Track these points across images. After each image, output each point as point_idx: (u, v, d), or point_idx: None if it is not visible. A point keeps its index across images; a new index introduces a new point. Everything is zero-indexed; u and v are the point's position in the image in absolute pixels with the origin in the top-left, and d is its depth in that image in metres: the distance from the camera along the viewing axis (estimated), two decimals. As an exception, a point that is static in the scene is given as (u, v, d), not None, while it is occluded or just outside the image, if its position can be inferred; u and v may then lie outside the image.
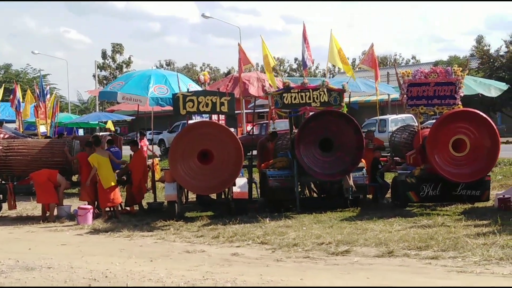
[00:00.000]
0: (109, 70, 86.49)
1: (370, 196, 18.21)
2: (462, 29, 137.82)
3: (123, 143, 26.59)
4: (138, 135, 23.12)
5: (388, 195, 18.01)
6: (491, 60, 41.60)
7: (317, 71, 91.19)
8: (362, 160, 16.70)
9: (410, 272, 9.64)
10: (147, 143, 24.93)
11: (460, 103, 16.59)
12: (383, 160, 18.65)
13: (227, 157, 15.65)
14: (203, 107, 16.09)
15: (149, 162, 18.93)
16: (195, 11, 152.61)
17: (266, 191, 17.27)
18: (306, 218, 15.15)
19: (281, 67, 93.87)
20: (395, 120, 33.26)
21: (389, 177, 18.73)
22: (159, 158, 23.80)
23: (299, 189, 17.30)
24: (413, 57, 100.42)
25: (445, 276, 9.25)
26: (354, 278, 9.38)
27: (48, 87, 27.50)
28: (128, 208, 17.85)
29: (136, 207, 17.93)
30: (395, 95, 25.72)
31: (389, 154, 19.51)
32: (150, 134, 27.56)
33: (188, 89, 16.59)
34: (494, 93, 21.39)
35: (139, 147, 18.94)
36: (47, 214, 16.74)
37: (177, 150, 15.57)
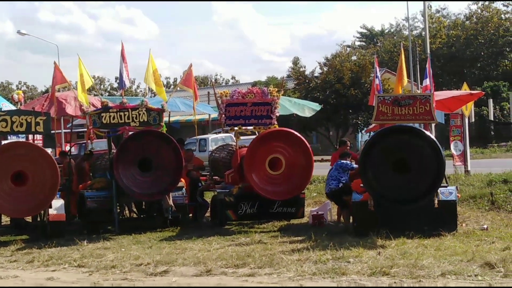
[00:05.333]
0: None
1: (190, 216, 18.29)
2: (280, 51, 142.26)
3: None
4: None
5: (208, 214, 18.18)
6: (307, 81, 43.16)
7: (138, 90, 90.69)
8: (182, 179, 16.79)
9: (226, 290, 9.79)
10: None
11: (276, 122, 17.06)
12: (203, 179, 18.83)
13: (43, 178, 15.26)
14: (17, 127, 15.61)
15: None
16: (10, 27, 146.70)
17: (84, 213, 16.88)
18: (125, 239, 14.97)
19: (102, 86, 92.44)
20: (215, 140, 33.71)
21: (208, 196, 18.93)
22: None
23: (118, 210, 17.08)
24: (233, 77, 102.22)
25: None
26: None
27: None
28: None
29: None
30: (215, 114, 26.05)
31: (208, 173, 19.71)
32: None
33: (0, 108, 15.99)
34: (308, 113, 22.23)
35: None
36: None
37: (-11, 172, 14.93)
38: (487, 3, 71.54)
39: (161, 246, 13.87)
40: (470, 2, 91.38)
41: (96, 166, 17.90)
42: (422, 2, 39.04)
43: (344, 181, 15.36)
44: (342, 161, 15.54)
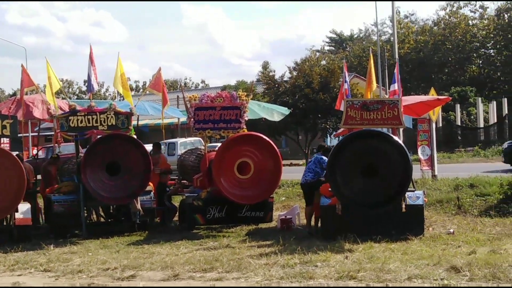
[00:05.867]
0: None
1: (158, 220, 18.22)
2: (249, 55, 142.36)
3: None
4: None
5: (176, 218, 18.13)
6: (276, 85, 43.04)
7: (107, 94, 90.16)
8: (150, 183, 16.73)
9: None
10: None
11: (244, 127, 17.04)
12: (171, 183, 18.76)
13: (9, 182, 15.13)
14: (-16, 130, 15.43)
15: None
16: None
17: (50, 217, 16.74)
18: (92, 244, 14.87)
19: (70, 89, 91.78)
20: (184, 143, 33.66)
21: (177, 200, 18.87)
22: None
23: (86, 214, 16.96)
24: (203, 81, 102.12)
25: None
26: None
27: None
28: None
29: None
30: (184, 118, 26.00)
31: (177, 177, 19.65)
32: None
33: (-34, 112, 15.82)
34: (276, 118, 22.25)
35: None
36: None
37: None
38: (454, 9, 72.36)
39: (129, 250, 13.80)
40: (438, 8, 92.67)
41: (64, 169, 17.77)
42: (391, 7, 39.28)
43: (321, 177, 15.34)
44: (322, 156, 15.53)
